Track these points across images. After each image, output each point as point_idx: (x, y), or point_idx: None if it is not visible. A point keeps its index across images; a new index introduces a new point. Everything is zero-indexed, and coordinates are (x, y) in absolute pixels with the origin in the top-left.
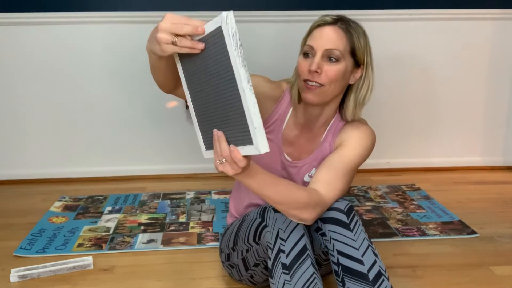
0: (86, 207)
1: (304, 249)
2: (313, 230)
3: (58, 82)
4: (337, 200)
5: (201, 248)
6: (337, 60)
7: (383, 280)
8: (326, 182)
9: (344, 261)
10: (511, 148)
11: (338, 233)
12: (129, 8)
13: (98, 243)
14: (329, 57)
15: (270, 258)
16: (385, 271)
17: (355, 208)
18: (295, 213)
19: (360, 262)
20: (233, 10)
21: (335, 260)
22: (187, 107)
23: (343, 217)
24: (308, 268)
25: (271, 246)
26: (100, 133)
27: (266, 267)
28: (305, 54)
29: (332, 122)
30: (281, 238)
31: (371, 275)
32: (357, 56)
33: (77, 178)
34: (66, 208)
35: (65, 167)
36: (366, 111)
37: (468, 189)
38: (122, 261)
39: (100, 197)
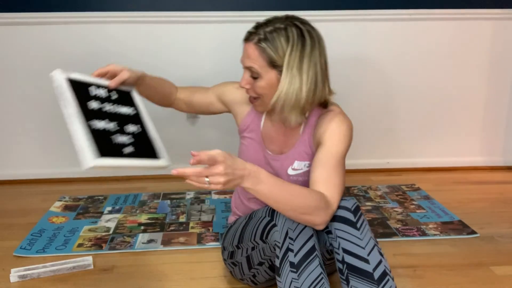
0: (86, 207)
1: (312, 249)
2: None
3: None
4: (344, 199)
5: (201, 248)
6: (257, 76)
7: (388, 280)
8: (324, 180)
9: (349, 259)
10: (511, 148)
11: (344, 232)
12: (130, 8)
13: (98, 243)
14: (251, 74)
15: (278, 257)
16: (390, 272)
17: None
18: (308, 218)
19: (366, 261)
20: (233, 10)
21: (340, 258)
22: None
23: (350, 216)
24: (316, 268)
25: (280, 245)
26: None
27: (270, 267)
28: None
29: (307, 114)
30: (290, 238)
31: (376, 275)
32: (279, 67)
33: (77, 178)
34: (66, 208)
35: (65, 167)
36: (365, 111)
37: (468, 189)
38: (122, 261)
39: (100, 197)
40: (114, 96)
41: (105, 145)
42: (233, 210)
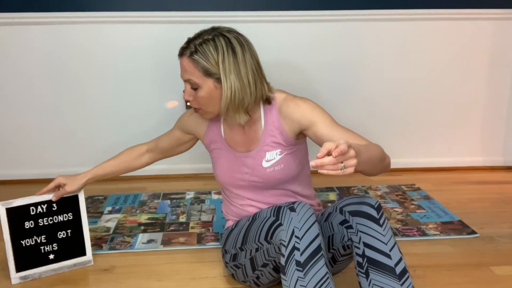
0: (86, 207)
1: (318, 248)
2: (338, 223)
3: (58, 82)
4: (367, 196)
5: (201, 248)
6: (196, 87)
7: (408, 276)
8: (349, 138)
9: (370, 253)
10: (511, 148)
11: (367, 227)
12: (130, 8)
13: (98, 243)
14: (191, 86)
15: (283, 255)
16: (408, 270)
17: None
18: (387, 161)
19: (388, 256)
20: (233, 10)
21: (360, 252)
22: (187, 107)
23: (373, 212)
24: (322, 267)
25: (285, 244)
26: (100, 133)
27: (274, 268)
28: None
29: (261, 106)
30: (296, 236)
31: (398, 270)
32: (215, 73)
33: None
34: None
35: (65, 167)
36: (365, 111)
37: (468, 189)
38: (122, 261)
39: (100, 197)
40: (55, 207)
41: (32, 258)
42: (226, 217)
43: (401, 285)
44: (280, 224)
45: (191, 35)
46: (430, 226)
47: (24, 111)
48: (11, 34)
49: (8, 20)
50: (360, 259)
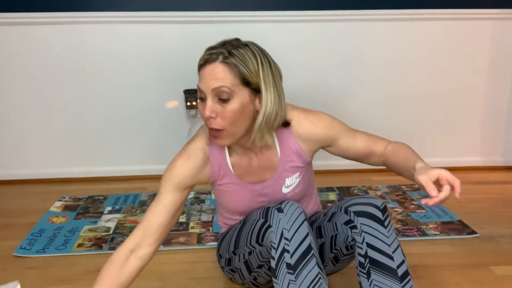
0: (86, 207)
1: (309, 248)
2: (342, 223)
3: (58, 82)
4: (373, 197)
5: (201, 248)
6: (229, 98)
7: (409, 279)
8: (375, 139)
9: (372, 254)
10: (511, 148)
11: (371, 227)
12: (130, 8)
13: (98, 243)
14: (219, 98)
15: (273, 258)
16: (410, 273)
17: None
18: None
19: (390, 257)
20: (233, 10)
21: (363, 253)
22: (187, 107)
23: (378, 214)
24: (313, 268)
25: (275, 246)
26: (100, 133)
27: (270, 268)
28: (201, 99)
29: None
30: (285, 238)
31: (400, 272)
32: (252, 83)
33: (77, 178)
34: (66, 208)
35: (65, 167)
36: (364, 111)
37: (468, 189)
38: None
39: (100, 197)
40: None
41: None
42: (221, 226)
43: (402, 287)
44: (270, 226)
45: (191, 35)
46: (430, 226)
47: (24, 111)
48: (11, 34)
49: (8, 20)
50: (362, 259)
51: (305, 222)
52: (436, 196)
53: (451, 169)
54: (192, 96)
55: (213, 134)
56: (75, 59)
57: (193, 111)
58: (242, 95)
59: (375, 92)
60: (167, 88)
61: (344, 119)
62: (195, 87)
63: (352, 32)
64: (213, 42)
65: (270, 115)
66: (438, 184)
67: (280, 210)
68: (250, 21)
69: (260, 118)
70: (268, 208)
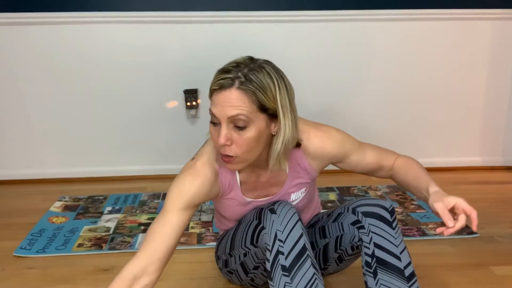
0: (86, 207)
1: (303, 249)
2: (349, 223)
3: (58, 82)
4: (381, 199)
5: (201, 248)
6: (245, 126)
7: (415, 280)
8: (385, 153)
9: (380, 253)
10: (511, 148)
11: (379, 228)
12: (130, 8)
13: (98, 243)
14: (235, 125)
15: (268, 260)
16: (416, 275)
17: None
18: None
19: (398, 258)
20: (233, 10)
21: (370, 252)
22: (187, 107)
23: (387, 215)
24: (309, 268)
25: (269, 248)
26: (100, 133)
27: (266, 269)
28: (214, 123)
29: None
30: (279, 240)
31: (407, 272)
32: (269, 109)
33: (77, 178)
34: (66, 208)
35: (65, 167)
36: (365, 111)
37: (468, 189)
38: (122, 261)
39: (100, 197)
40: None
41: None
42: (219, 228)
43: (409, 287)
44: (263, 228)
45: (191, 34)
46: (430, 226)
47: (23, 111)
48: (11, 34)
49: (8, 20)
50: (369, 259)
51: (299, 223)
52: (452, 227)
53: (451, 169)
54: (192, 96)
55: (226, 159)
56: (75, 59)
57: (193, 111)
58: (259, 122)
59: (374, 92)
60: (167, 88)
61: (344, 119)
62: (195, 87)
63: (352, 32)
64: (213, 42)
65: (288, 141)
66: (452, 212)
67: (273, 211)
68: (250, 21)
69: (278, 146)
70: (262, 209)
